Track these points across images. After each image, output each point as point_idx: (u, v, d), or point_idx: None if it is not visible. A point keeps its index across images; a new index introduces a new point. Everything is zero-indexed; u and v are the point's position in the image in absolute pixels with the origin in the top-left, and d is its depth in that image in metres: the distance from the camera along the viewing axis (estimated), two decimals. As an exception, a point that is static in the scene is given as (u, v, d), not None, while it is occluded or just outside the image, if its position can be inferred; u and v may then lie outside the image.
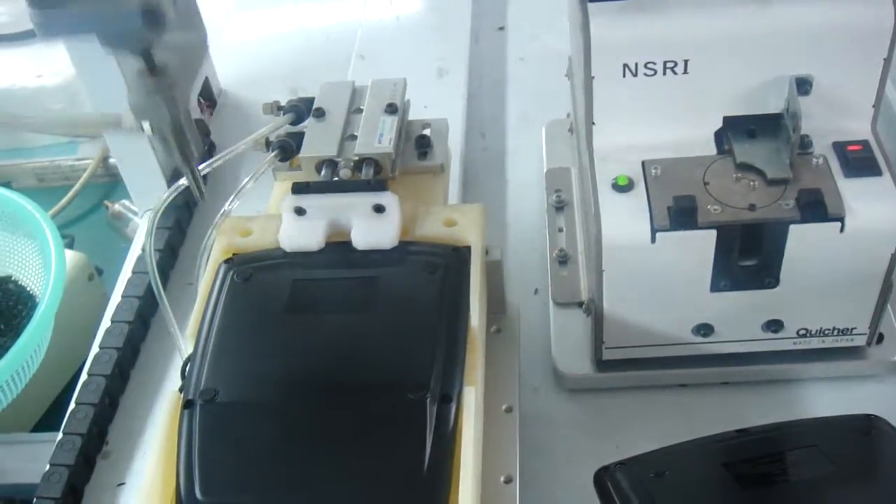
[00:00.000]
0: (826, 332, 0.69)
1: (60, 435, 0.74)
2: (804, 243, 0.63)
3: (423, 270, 0.62)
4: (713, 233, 0.62)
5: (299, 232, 0.64)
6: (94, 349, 0.80)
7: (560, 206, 0.83)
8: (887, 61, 0.63)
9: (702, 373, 0.71)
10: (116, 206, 1.08)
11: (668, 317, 0.68)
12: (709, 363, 0.71)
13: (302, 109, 0.72)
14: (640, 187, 0.64)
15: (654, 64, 0.63)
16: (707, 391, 0.72)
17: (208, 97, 0.98)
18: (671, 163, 0.65)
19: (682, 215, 0.62)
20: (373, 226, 0.64)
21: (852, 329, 0.69)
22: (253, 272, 0.63)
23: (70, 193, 1.10)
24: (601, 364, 0.72)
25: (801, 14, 0.62)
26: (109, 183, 1.12)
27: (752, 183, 0.64)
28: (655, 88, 0.64)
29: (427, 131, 0.73)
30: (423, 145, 0.72)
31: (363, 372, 0.57)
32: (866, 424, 0.61)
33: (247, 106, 0.98)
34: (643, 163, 0.65)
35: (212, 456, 0.54)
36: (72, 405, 0.76)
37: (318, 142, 0.69)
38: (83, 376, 0.78)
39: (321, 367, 0.58)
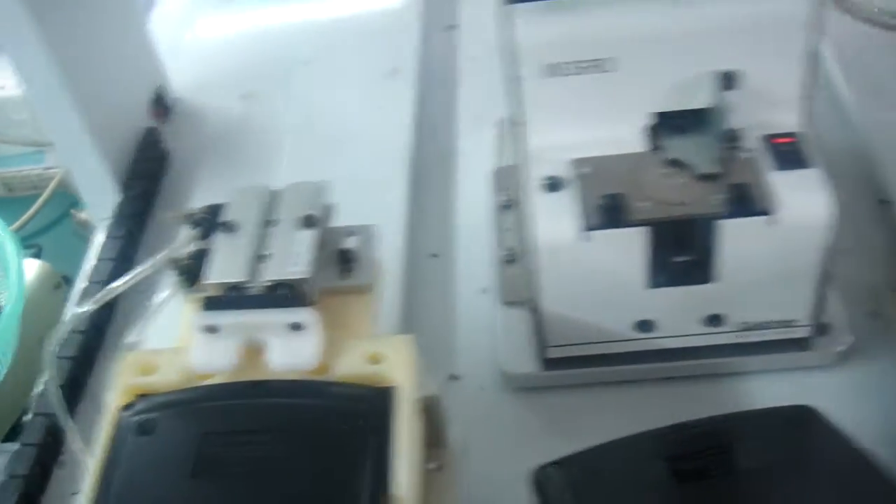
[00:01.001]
0: (767, 324, 0.69)
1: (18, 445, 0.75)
2: (735, 238, 0.63)
3: (339, 422, 0.53)
4: (644, 230, 0.63)
5: (211, 352, 0.56)
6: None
7: (508, 206, 0.83)
8: (812, 54, 0.63)
9: (646, 369, 0.71)
10: (83, 215, 1.08)
11: (607, 314, 0.68)
12: (652, 359, 0.71)
13: (212, 221, 0.62)
14: (572, 186, 0.65)
15: (581, 62, 0.63)
16: (653, 387, 0.73)
17: (161, 105, 0.98)
18: (602, 160, 0.65)
19: (612, 213, 0.63)
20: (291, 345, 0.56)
21: (793, 321, 0.69)
22: (157, 421, 0.54)
23: (38, 203, 1.10)
24: (546, 363, 0.72)
25: (725, 9, 0.62)
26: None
27: (682, 179, 0.64)
28: (583, 87, 0.64)
29: (353, 241, 0.63)
30: (347, 260, 0.62)
31: None
32: (800, 415, 0.61)
33: (201, 113, 0.99)
34: (574, 161, 0.66)
35: None
36: (29, 415, 0.77)
37: (226, 264, 0.58)
38: (40, 386, 0.78)
39: None
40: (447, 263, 0.83)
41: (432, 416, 0.62)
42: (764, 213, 0.62)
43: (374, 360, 0.56)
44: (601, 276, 0.65)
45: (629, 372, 0.72)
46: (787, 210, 0.62)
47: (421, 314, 0.79)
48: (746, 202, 0.62)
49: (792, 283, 0.66)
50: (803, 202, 0.62)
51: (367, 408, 0.53)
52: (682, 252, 0.65)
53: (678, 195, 0.63)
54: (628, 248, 0.64)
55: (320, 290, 0.59)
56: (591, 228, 0.63)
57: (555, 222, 0.63)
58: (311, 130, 0.90)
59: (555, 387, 0.73)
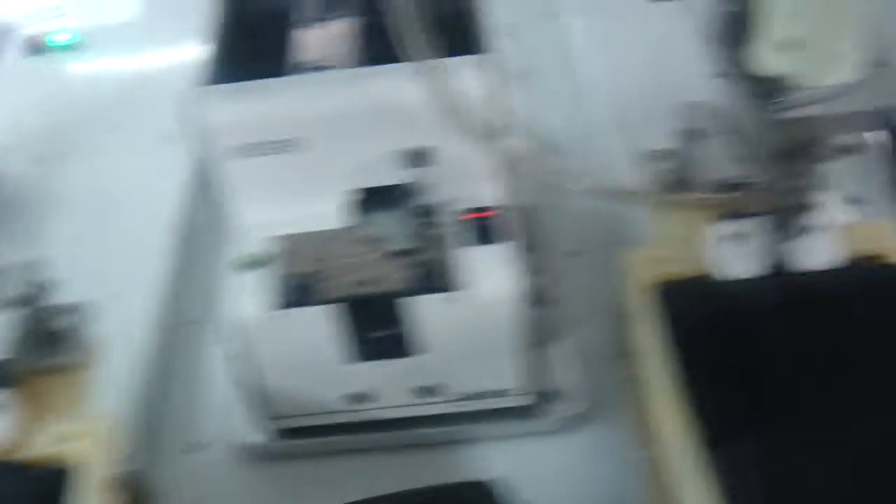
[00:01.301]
0: (483, 394, 0.70)
1: None
2: (424, 313, 0.64)
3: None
4: (333, 307, 0.63)
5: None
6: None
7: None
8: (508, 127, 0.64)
9: (369, 439, 0.72)
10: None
11: (321, 387, 0.69)
12: (374, 429, 0.71)
13: None
14: (271, 264, 0.65)
15: (273, 143, 0.64)
16: (386, 456, 0.73)
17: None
18: (304, 237, 0.66)
19: (303, 292, 0.64)
20: None
21: (508, 390, 0.70)
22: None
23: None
24: (280, 433, 0.73)
25: (412, 88, 0.63)
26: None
27: (377, 255, 0.65)
28: (280, 166, 0.65)
29: (65, 320, 0.63)
30: (55, 340, 0.62)
31: None
32: (475, 492, 0.61)
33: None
34: (277, 238, 0.66)
35: None
36: None
37: None
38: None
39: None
40: (205, 330, 0.83)
41: (136, 491, 0.63)
42: (448, 289, 0.63)
43: (63, 439, 0.57)
44: (304, 352, 0.66)
45: (354, 442, 0.72)
46: (472, 286, 0.63)
47: (171, 383, 0.80)
48: (432, 279, 0.63)
49: (493, 355, 0.67)
50: (487, 279, 0.63)
51: (41, 488, 0.55)
52: (377, 328, 0.65)
53: (371, 272, 0.64)
54: (321, 325, 0.64)
55: (29, 370, 0.60)
56: (283, 307, 0.64)
57: (250, 301, 0.64)
58: (87, 198, 0.91)
59: (288, 456, 0.73)
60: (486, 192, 0.67)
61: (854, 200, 0.89)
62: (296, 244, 0.66)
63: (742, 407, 0.56)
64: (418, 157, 0.65)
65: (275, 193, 0.66)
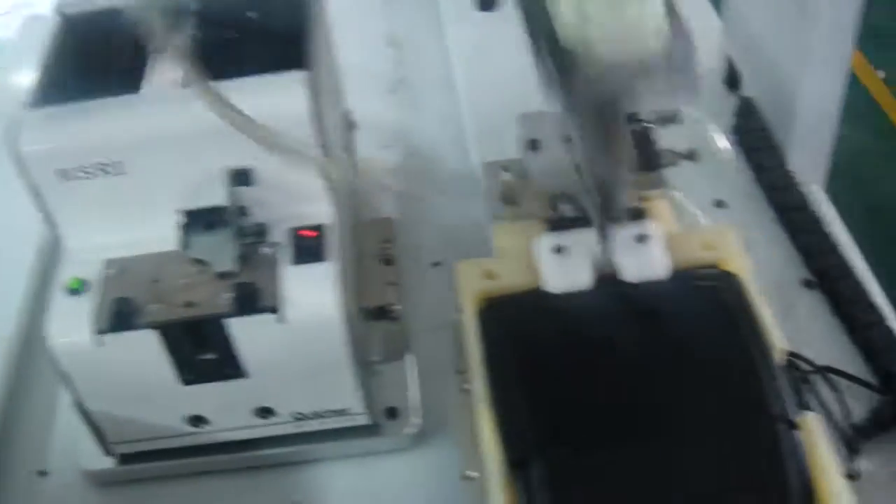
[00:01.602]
0: (322, 414, 0.70)
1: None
2: (248, 335, 0.64)
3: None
4: (154, 332, 0.63)
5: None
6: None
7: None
8: (322, 144, 0.64)
9: (210, 461, 0.71)
10: None
11: (154, 411, 0.68)
12: (214, 451, 0.71)
13: None
14: (96, 288, 0.64)
15: (91, 167, 0.63)
16: (233, 477, 0.73)
17: None
18: (131, 261, 0.66)
19: (123, 316, 0.63)
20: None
21: (347, 410, 0.69)
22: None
23: None
24: (121, 458, 0.72)
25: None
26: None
27: (202, 278, 0.64)
28: (101, 190, 0.64)
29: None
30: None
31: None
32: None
33: None
34: (104, 262, 0.66)
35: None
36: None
37: None
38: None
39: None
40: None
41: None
42: (270, 310, 0.62)
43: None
44: (131, 377, 0.65)
45: (195, 465, 0.72)
46: (294, 307, 0.63)
47: (20, 406, 0.79)
48: (251, 301, 0.62)
49: (323, 374, 0.67)
50: (309, 298, 0.63)
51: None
52: (203, 350, 0.65)
53: (197, 295, 0.63)
54: (145, 349, 0.64)
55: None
56: (102, 332, 0.63)
57: (68, 326, 0.63)
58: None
59: (131, 482, 0.73)
60: (312, 210, 0.66)
61: (718, 204, 0.90)
62: (126, 267, 0.65)
63: (543, 426, 0.56)
64: (241, 177, 0.64)
65: (100, 217, 0.65)
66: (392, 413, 0.73)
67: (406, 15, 1.18)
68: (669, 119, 0.69)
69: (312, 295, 0.63)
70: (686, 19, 0.54)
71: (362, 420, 0.70)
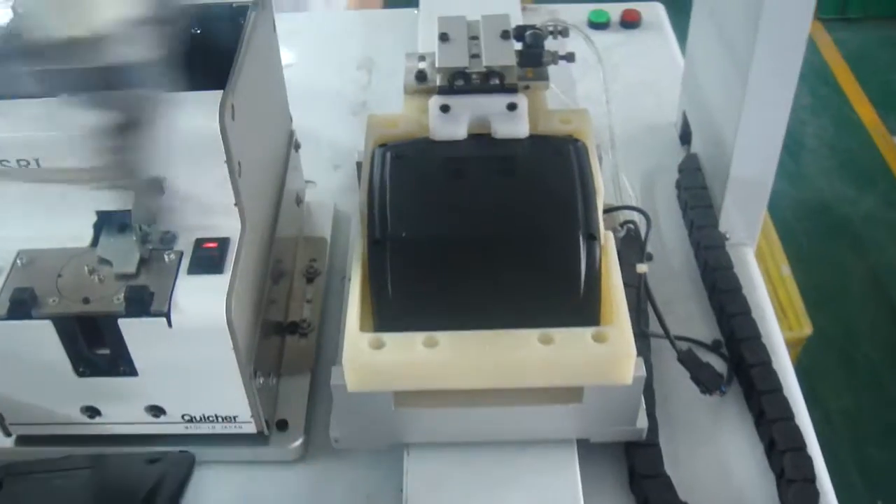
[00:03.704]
0: (212, 418, 0.72)
1: None
2: (138, 336, 0.66)
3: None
4: (47, 323, 0.66)
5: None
6: None
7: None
8: (231, 163, 0.66)
9: (104, 452, 0.74)
10: None
11: (52, 398, 0.71)
12: (104, 442, 0.74)
13: None
14: (2, 277, 0.68)
15: (8, 162, 0.66)
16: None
17: None
18: (41, 254, 0.69)
19: (18, 306, 0.66)
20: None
21: (235, 417, 0.72)
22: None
23: None
24: (18, 440, 0.75)
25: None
26: None
27: (102, 277, 0.67)
28: (18, 184, 0.67)
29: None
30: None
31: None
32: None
33: None
34: (19, 252, 0.69)
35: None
36: None
37: None
38: None
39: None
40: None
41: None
42: (160, 314, 0.65)
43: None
44: (28, 363, 0.68)
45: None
46: (183, 314, 0.65)
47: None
48: (141, 304, 0.65)
49: (213, 381, 0.69)
50: (199, 307, 0.65)
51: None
52: (96, 346, 0.68)
53: (92, 292, 0.66)
54: (40, 339, 0.66)
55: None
56: (3, 318, 0.66)
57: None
58: None
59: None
60: (221, 223, 0.69)
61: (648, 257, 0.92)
62: (32, 259, 0.68)
63: (399, 218, 0.72)
64: (150, 185, 0.67)
65: (16, 210, 0.69)
66: (283, 425, 0.75)
67: (384, 39, 1.22)
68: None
69: (203, 304, 0.65)
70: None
71: (249, 428, 0.73)
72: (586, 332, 0.66)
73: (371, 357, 0.65)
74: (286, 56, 0.87)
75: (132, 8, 0.57)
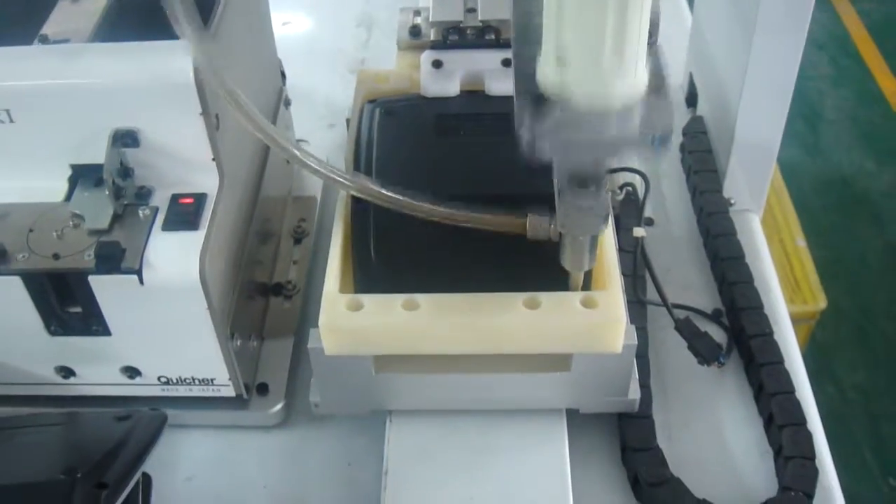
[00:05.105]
0: (189, 380, 0.70)
1: None
2: (110, 294, 0.64)
3: None
4: (16, 279, 0.63)
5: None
6: None
7: None
8: (207, 115, 0.64)
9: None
10: None
11: (25, 357, 0.69)
12: (77, 403, 0.72)
13: None
14: (-29, 230, 0.65)
15: (-22, 113, 0.64)
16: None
17: None
18: (13, 207, 0.66)
19: (-5, 260, 0.64)
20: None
21: (212, 380, 0.70)
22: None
23: None
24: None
25: (109, 68, 0.63)
26: None
27: (74, 232, 0.65)
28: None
29: None
30: None
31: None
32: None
33: None
34: (-16, 206, 0.67)
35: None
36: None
37: None
38: None
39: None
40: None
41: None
42: (131, 272, 0.63)
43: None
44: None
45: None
46: (155, 271, 0.63)
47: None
48: (112, 260, 0.63)
49: (188, 342, 0.67)
50: (172, 264, 0.63)
51: None
52: (68, 304, 0.66)
53: (63, 248, 0.64)
54: (10, 295, 0.64)
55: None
56: (-34, 272, 0.64)
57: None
58: None
59: None
60: (199, 179, 0.66)
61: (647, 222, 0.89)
62: (5, 213, 0.66)
63: (383, 166, 0.72)
64: (126, 138, 0.64)
65: (-2, 161, 0.67)
66: (264, 389, 0.73)
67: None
68: None
69: (177, 261, 0.63)
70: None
71: (228, 392, 0.71)
72: (575, 297, 0.63)
73: (348, 319, 0.63)
74: (284, 14, 0.84)
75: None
